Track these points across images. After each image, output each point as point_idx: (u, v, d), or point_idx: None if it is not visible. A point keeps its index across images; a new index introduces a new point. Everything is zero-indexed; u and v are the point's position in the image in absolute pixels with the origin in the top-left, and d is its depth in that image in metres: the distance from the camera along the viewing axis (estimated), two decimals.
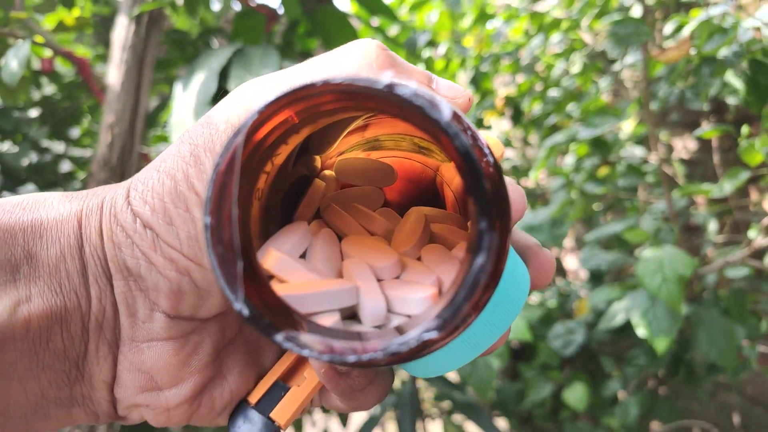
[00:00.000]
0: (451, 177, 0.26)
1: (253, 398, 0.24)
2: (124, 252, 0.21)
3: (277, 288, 0.19)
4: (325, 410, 1.14)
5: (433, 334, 0.15)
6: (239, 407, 0.24)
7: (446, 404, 1.22)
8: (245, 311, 0.16)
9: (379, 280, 0.21)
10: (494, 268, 0.15)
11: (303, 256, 0.22)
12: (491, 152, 0.15)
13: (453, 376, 1.24)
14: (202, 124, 0.21)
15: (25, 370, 0.20)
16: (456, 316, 0.15)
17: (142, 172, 0.22)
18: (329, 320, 0.19)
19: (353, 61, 0.21)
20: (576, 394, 1.06)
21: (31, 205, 0.21)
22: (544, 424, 1.23)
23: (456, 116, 0.15)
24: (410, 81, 0.15)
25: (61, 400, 0.21)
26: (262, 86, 0.21)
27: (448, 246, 0.23)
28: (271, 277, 0.20)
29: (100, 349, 0.21)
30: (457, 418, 1.18)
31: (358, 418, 1.34)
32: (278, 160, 0.20)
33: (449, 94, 0.22)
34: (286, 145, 0.20)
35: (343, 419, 1.13)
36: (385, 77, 0.15)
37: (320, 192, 0.25)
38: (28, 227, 0.20)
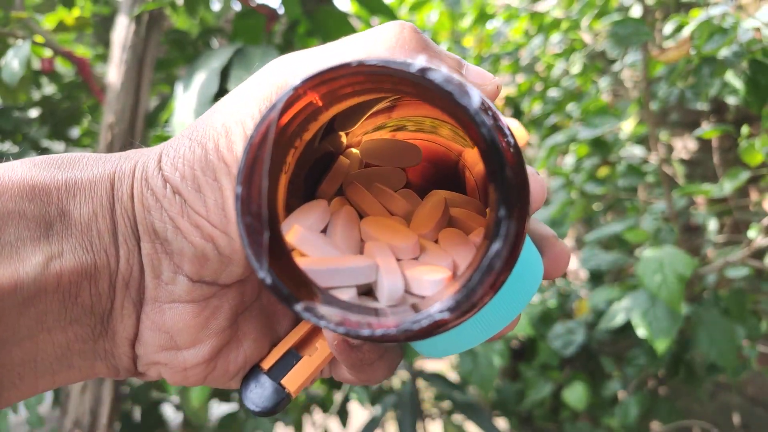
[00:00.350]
0: (473, 162, 0.26)
1: (266, 364, 0.25)
2: (153, 215, 0.21)
3: (299, 261, 0.19)
4: (325, 410, 1.14)
5: (446, 315, 0.16)
6: (252, 372, 0.25)
7: (446, 404, 1.22)
8: (268, 280, 0.16)
9: (397, 260, 0.21)
10: (509, 255, 0.15)
11: (324, 231, 0.22)
12: (515, 141, 0.16)
13: (453, 375, 1.24)
14: (236, 97, 0.22)
15: (54, 322, 0.20)
16: (469, 299, 0.16)
17: (174, 140, 0.22)
18: (346, 294, 0.19)
19: (387, 42, 0.21)
20: (576, 394, 1.06)
21: (66, 164, 0.22)
22: (544, 424, 1.23)
23: (484, 104, 0.15)
24: (441, 66, 0.16)
25: (85, 353, 0.22)
26: (295, 63, 0.22)
27: (466, 231, 0.23)
28: (293, 249, 0.21)
29: (125, 307, 0.22)
30: (457, 418, 1.18)
31: (358, 418, 1.34)
32: (307, 136, 0.21)
33: (478, 81, 0.22)
34: (316, 122, 0.20)
35: (343, 419, 1.13)
36: (419, 61, 0.15)
37: (344, 169, 0.25)
38: (62, 185, 0.21)
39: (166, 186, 0.21)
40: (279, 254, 0.18)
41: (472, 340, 0.23)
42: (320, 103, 0.18)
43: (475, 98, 0.15)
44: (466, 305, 0.16)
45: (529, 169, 0.21)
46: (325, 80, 0.17)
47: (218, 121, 0.21)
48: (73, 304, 0.21)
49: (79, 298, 0.21)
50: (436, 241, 0.23)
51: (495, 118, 0.15)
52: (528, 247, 0.23)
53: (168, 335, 0.23)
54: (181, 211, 0.21)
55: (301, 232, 0.21)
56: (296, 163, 0.21)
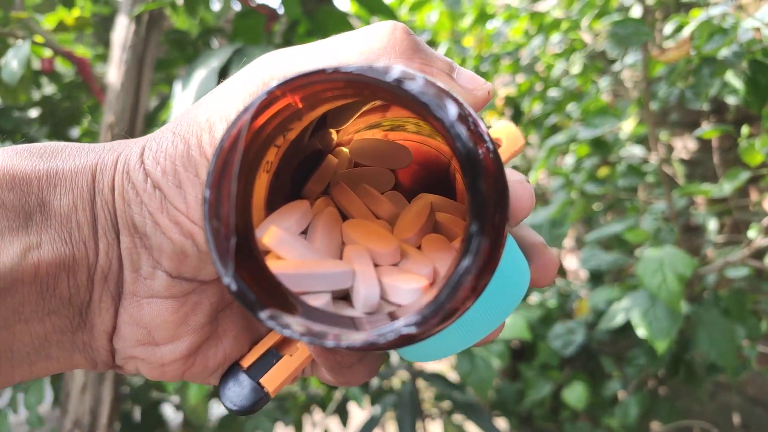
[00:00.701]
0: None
1: (246, 362, 0.24)
2: (133, 210, 0.21)
3: (272, 265, 0.19)
4: (325, 409, 1.14)
5: (412, 329, 0.15)
6: (231, 370, 0.24)
7: (446, 404, 1.22)
8: (233, 286, 0.16)
9: (376, 266, 0.21)
10: (479, 273, 0.15)
11: (305, 233, 0.22)
12: (496, 154, 0.15)
13: (453, 376, 1.24)
14: (222, 91, 0.22)
15: (31, 313, 0.20)
16: (437, 314, 0.15)
17: (158, 133, 0.22)
18: (319, 300, 0.19)
19: (378, 43, 0.21)
20: (576, 394, 1.06)
21: (48, 154, 0.22)
22: (544, 424, 1.23)
23: (462, 114, 0.15)
24: (420, 74, 0.15)
25: (63, 344, 0.22)
26: (284, 60, 0.21)
27: (451, 237, 0.23)
28: (268, 252, 0.20)
29: (103, 300, 0.22)
30: (457, 418, 1.18)
31: (357, 418, 1.34)
32: (291, 135, 0.20)
33: (469, 86, 0.22)
34: (300, 122, 0.20)
35: (343, 419, 1.13)
36: (396, 70, 0.15)
37: (332, 168, 0.25)
38: (43, 175, 0.21)
39: (147, 180, 0.21)
40: (249, 259, 0.17)
41: (454, 346, 0.23)
42: (300, 105, 0.18)
43: (451, 111, 0.15)
44: (433, 321, 0.15)
45: (516, 177, 0.21)
46: (300, 85, 0.16)
47: (202, 115, 0.21)
48: (51, 296, 0.20)
49: (57, 289, 0.21)
50: (419, 247, 0.22)
51: (475, 127, 0.15)
52: (514, 255, 0.22)
53: (146, 330, 0.22)
54: (160, 206, 0.21)
55: (278, 234, 0.20)
56: (281, 160, 0.21)
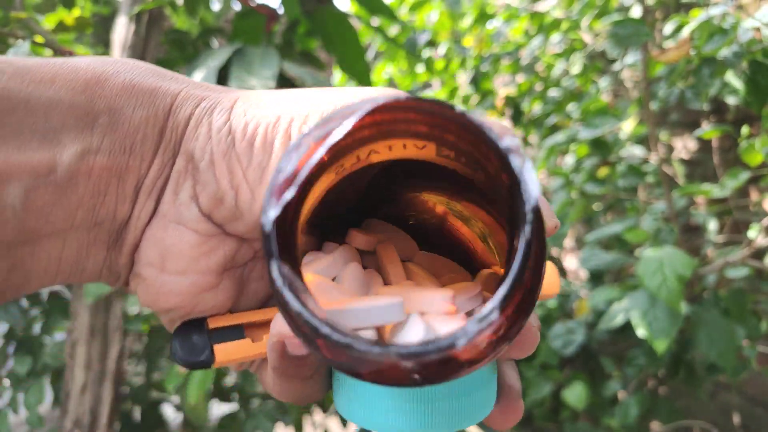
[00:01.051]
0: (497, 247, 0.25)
1: (213, 323, 0.25)
2: (199, 143, 0.22)
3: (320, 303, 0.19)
4: (325, 410, 1.14)
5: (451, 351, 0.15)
6: (195, 322, 0.25)
7: None
8: (267, 226, 0.16)
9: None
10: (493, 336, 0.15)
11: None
12: (542, 268, 0.16)
13: None
14: (334, 96, 0.23)
15: (82, 220, 0.22)
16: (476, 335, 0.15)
17: (255, 93, 0.23)
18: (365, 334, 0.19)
19: None
20: (576, 394, 1.06)
21: (135, 69, 0.23)
22: (544, 424, 1.23)
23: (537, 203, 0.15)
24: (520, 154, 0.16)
25: (97, 260, 0.23)
26: (381, 92, 0.22)
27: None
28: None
29: (141, 216, 0.23)
30: None
31: None
32: (374, 158, 0.20)
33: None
34: (377, 154, 0.20)
35: (343, 420, 1.13)
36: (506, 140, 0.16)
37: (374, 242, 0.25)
38: (121, 84, 0.22)
39: (226, 126, 0.22)
40: (285, 230, 0.17)
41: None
42: (370, 132, 0.18)
43: (534, 189, 0.15)
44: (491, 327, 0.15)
45: (533, 319, 0.22)
46: (396, 107, 0.17)
47: (303, 104, 0.22)
48: (101, 204, 0.22)
49: (107, 196, 0.22)
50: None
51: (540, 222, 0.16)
52: (487, 382, 0.22)
53: (160, 254, 0.23)
54: (225, 152, 0.22)
55: (314, 280, 0.21)
56: (352, 171, 0.21)
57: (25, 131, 0.20)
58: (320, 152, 0.16)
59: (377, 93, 0.22)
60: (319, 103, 0.22)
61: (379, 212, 0.27)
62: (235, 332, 0.25)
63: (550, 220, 0.23)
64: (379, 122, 0.18)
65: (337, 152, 0.18)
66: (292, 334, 0.20)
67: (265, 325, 0.25)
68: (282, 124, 0.22)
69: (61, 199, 0.21)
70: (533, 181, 0.15)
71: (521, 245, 0.15)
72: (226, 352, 0.24)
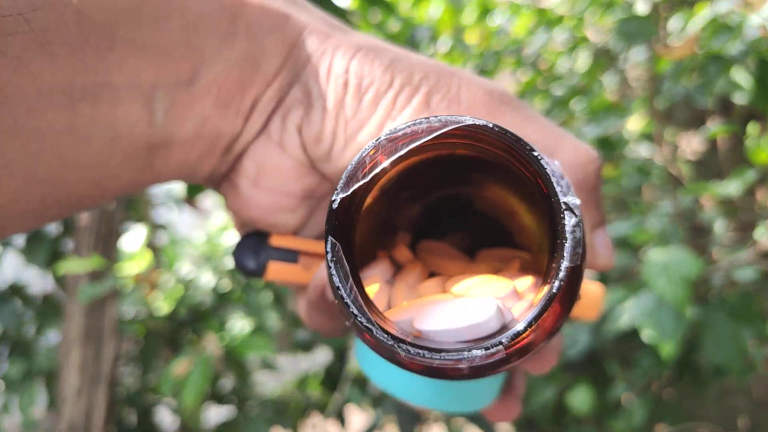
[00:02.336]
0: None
1: (275, 241, 0.27)
2: (318, 81, 0.24)
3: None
4: (323, 413, 1.13)
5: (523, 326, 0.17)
6: (261, 234, 0.27)
7: None
8: (337, 202, 0.18)
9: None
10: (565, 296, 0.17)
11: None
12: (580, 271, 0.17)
13: None
14: (439, 71, 0.24)
15: (209, 131, 0.24)
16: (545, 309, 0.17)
17: (381, 50, 0.25)
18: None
19: (573, 169, 0.24)
20: (580, 398, 1.05)
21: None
22: (548, 427, 1.22)
23: (578, 224, 0.17)
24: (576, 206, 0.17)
25: (209, 166, 0.26)
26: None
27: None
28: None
29: (251, 130, 0.25)
30: (458, 421, 1.17)
31: (356, 421, 1.33)
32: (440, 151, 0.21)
33: (599, 249, 0.26)
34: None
35: (342, 423, 1.12)
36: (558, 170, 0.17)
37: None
38: (258, 7, 0.24)
39: (344, 73, 0.24)
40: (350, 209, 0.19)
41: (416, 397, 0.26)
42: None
43: (573, 223, 0.17)
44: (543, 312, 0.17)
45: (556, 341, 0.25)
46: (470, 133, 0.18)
47: (416, 77, 0.24)
48: (224, 116, 0.24)
49: (230, 109, 0.24)
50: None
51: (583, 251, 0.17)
52: (494, 381, 0.26)
53: (258, 170, 0.25)
54: (337, 100, 0.24)
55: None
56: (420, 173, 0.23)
57: (174, 41, 0.22)
58: (390, 160, 0.18)
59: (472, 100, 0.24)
60: (428, 77, 0.24)
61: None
62: (291, 255, 0.27)
63: (604, 258, 0.25)
64: (448, 141, 0.19)
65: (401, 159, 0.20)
66: None
67: (318, 257, 0.27)
68: (391, 91, 0.23)
69: (195, 108, 0.23)
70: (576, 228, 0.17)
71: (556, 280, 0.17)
72: (276, 271, 0.26)
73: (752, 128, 0.90)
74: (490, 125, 0.17)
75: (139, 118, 0.22)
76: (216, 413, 1.07)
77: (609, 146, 1.03)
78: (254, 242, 0.27)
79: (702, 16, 0.78)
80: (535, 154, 0.17)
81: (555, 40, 1.28)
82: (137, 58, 0.21)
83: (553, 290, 0.16)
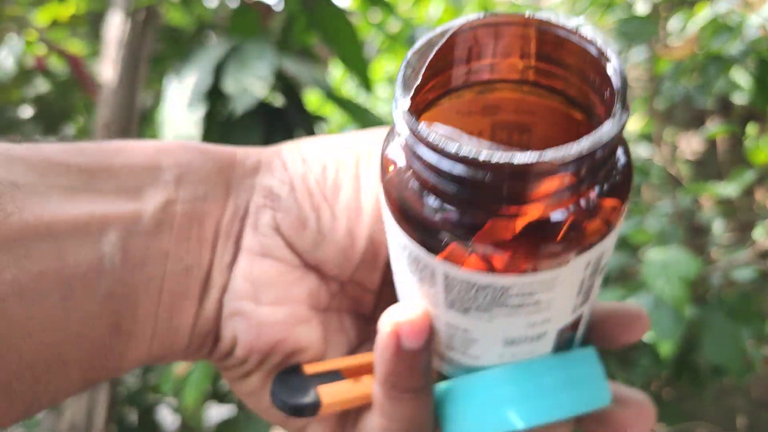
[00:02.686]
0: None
1: (309, 369, 0.24)
2: (275, 175, 0.24)
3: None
4: None
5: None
6: (291, 370, 0.24)
7: None
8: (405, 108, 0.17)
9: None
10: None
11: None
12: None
13: None
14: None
15: (172, 269, 0.22)
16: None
17: (319, 139, 0.26)
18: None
19: None
20: None
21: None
22: None
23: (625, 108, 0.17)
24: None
25: (188, 316, 0.23)
26: None
27: None
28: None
29: (224, 256, 0.24)
30: None
31: None
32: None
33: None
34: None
35: None
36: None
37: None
38: (182, 149, 0.24)
39: (299, 156, 0.24)
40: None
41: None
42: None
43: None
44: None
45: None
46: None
47: (362, 143, 0.25)
48: (186, 251, 0.22)
49: (191, 242, 0.23)
50: None
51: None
52: (595, 372, 0.23)
53: (253, 286, 0.23)
54: (303, 175, 0.24)
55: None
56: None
57: (112, 189, 0.21)
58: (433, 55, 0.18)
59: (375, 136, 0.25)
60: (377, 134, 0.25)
61: None
62: (334, 376, 0.24)
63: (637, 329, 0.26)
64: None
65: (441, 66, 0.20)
66: (407, 319, 0.21)
67: (362, 368, 0.25)
68: (350, 159, 0.24)
69: (150, 247, 0.21)
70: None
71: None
72: (330, 393, 0.23)
73: (751, 128, 0.91)
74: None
75: (89, 263, 0.20)
76: (217, 412, 1.08)
77: None
78: (289, 377, 0.24)
79: (702, 16, 0.78)
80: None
81: None
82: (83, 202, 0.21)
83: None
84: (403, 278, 0.22)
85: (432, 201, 0.18)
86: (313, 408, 0.23)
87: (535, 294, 0.19)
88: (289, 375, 0.24)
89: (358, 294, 0.26)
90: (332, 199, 0.23)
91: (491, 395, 0.22)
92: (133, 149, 0.23)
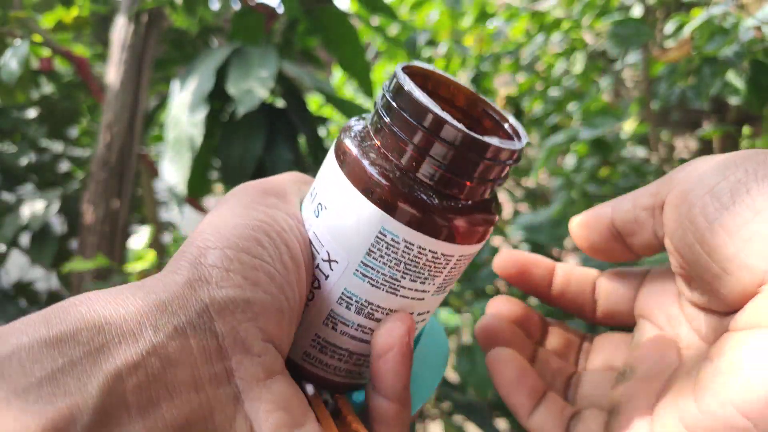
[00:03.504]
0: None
1: None
2: (224, 284, 0.20)
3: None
4: None
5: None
6: None
7: (447, 405, 1.21)
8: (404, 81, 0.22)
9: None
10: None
11: None
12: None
13: (453, 376, 1.23)
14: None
15: None
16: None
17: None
18: None
19: None
20: None
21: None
22: None
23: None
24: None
25: None
26: None
27: None
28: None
29: (226, 407, 0.20)
30: (458, 419, 1.18)
31: None
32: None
33: None
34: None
35: None
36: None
37: None
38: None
39: (233, 257, 0.22)
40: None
41: None
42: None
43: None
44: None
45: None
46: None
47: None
48: None
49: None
50: None
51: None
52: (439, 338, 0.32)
53: (286, 411, 0.20)
54: (254, 265, 0.21)
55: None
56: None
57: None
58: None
59: None
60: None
61: None
62: None
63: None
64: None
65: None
66: (406, 340, 0.24)
67: None
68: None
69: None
70: None
71: None
72: None
73: (747, 130, 0.91)
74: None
75: None
76: None
77: (605, 148, 1.04)
78: None
79: (697, 18, 0.79)
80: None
81: (552, 42, 1.29)
82: None
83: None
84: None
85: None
86: None
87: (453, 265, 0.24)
88: None
89: None
90: (287, 273, 0.22)
91: None
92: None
